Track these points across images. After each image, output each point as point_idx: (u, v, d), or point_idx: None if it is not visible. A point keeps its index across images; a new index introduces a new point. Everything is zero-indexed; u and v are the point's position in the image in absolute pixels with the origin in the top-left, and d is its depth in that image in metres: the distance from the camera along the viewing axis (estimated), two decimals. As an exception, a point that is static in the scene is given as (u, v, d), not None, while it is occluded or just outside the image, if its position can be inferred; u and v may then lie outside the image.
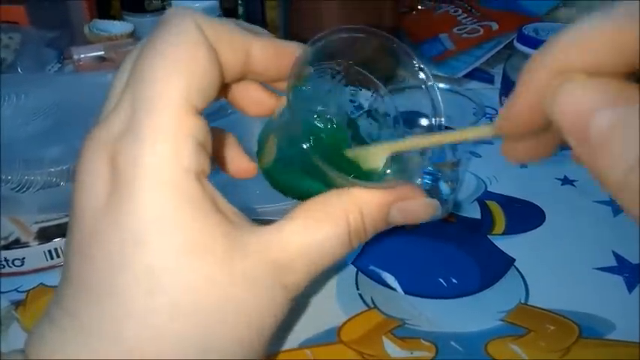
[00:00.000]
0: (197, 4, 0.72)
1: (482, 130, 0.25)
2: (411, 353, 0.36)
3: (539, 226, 0.48)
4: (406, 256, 0.45)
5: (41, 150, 0.49)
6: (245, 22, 0.29)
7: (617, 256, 0.44)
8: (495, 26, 0.77)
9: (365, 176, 0.28)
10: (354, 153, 0.29)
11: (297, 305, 0.39)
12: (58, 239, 0.42)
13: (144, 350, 0.23)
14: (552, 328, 0.38)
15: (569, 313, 0.39)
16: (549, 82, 0.19)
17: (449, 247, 0.45)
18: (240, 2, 0.83)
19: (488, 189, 0.53)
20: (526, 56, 0.60)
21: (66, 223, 0.44)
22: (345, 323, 0.39)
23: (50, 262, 0.43)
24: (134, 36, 0.76)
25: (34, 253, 0.42)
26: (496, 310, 0.40)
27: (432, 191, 0.48)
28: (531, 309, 0.40)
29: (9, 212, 0.44)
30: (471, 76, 0.73)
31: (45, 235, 0.43)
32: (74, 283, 0.24)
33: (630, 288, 0.41)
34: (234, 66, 0.27)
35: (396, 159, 0.30)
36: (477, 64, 0.72)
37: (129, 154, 0.23)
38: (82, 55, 0.70)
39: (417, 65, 0.29)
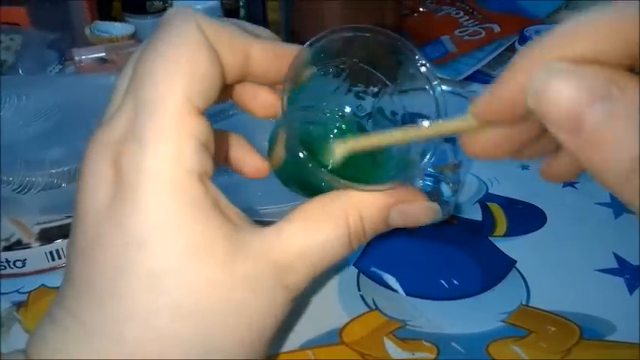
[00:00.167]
0: (198, 5, 0.72)
1: (460, 122, 0.23)
2: (413, 354, 0.36)
3: (540, 227, 0.48)
4: (407, 258, 0.44)
5: (42, 151, 0.49)
6: (237, 19, 0.29)
7: (618, 258, 0.44)
8: (497, 28, 0.77)
9: (367, 177, 0.28)
10: (319, 146, 0.28)
11: (299, 306, 0.39)
12: (60, 240, 0.42)
13: (146, 351, 0.23)
14: (553, 329, 0.38)
15: (570, 314, 0.39)
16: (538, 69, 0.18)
17: (450, 249, 0.45)
18: (241, 4, 0.83)
19: (490, 191, 0.53)
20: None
21: (67, 225, 0.44)
22: (346, 324, 0.39)
23: (51, 264, 0.43)
24: (135, 37, 0.76)
25: (36, 255, 0.42)
26: (497, 311, 0.40)
27: (434, 193, 0.48)
28: (532, 310, 0.40)
29: (10, 213, 0.44)
30: (472, 78, 0.73)
31: (46, 236, 0.43)
32: (77, 284, 0.24)
33: (631, 289, 0.41)
34: (234, 67, 0.27)
35: (396, 161, 0.30)
36: (478, 67, 0.72)
37: (131, 156, 0.23)
38: (83, 57, 0.70)
39: (420, 62, 0.29)
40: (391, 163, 0.30)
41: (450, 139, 0.44)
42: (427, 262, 0.44)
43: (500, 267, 0.44)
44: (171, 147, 0.23)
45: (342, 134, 0.30)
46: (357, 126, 0.31)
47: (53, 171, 0.47)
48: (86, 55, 0.70)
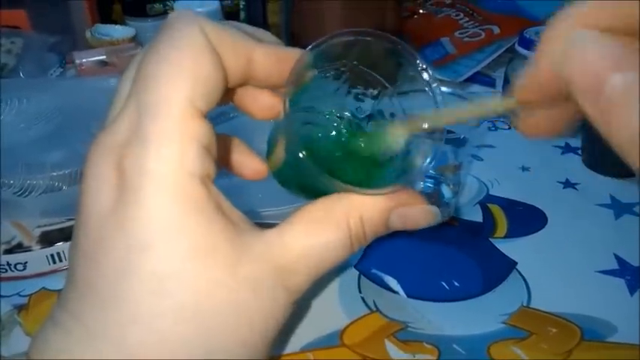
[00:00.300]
0: (199, 8, 0.72)
1: (503, 102, 0.24)
2: (414, 356, 0.36)
3: (541, 229, 0.48)
4: (408, 260, 0.45)
5: (43, 154, 0.49)
6: (239, 23, 0.29)
7: (618, 259, 0.44)
8: (497, 30, 0.77)
9: (368, 180, 0.28)
10: (370, 137, 0.29)
11: (300, 308, 0.39)
12: (61, 243, 0.42)
13: (149, 354, 0.23)
14: (554, 330, 0.38)
15: (571, 315, 0.39)
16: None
17: (451, 251, 0.46)
18: (241, 6, 0.83)
19: (490, 192, 0.53)
20: (528, 60, 0.60)
21: (68, 227, 0.44)
22: (347, 326, 0.39)
23: (52, 267, 0.43)
24: (136, 40, 0.76)
25: (37, 258, 0.42)
26: (498, 313, 0.40)
27: (434, 194, 0.48)
28: (533, 312, 0.40)
29: (11, 216, 0.45)
30: (472, 79, 0.73)
31: (47, 239, 0.43)
32: (79, 287, 0.24)
33: (632, 291, 0.41)
34: (236, 71, 0.26)
35: (397, 163, 0.30)
36: (478, 68, 0.72)
37: (135, 159, 0.23)
38: (84, 60, 0.70)
39: (420, 66, 0.29)
40: (392, 165, 0.30)
41: (451, 141, 0.44)
42: (428, 264, 0.44)
43: (501, 268, 0.44)
44: (175, 150, 0.23)
45: (341, 136, 0.30)
46: (357, 127, 0.31)
47: (54, 174, 0.47)
48: (87, 58, 0.70)
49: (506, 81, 0.65)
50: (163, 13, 0.81)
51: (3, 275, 0.42)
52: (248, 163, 0.32)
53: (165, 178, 0.23)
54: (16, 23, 0.76)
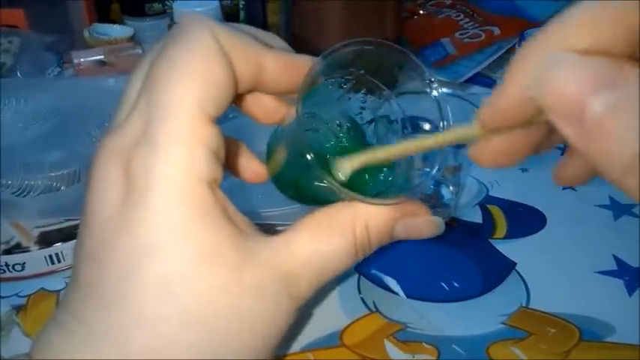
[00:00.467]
0: (198, 8, 0.71)
1: (465, 130, 0.23)
2: (413, 356, 0.36)
3: (540, 230, 0.48)
4: (408, 260, 0.45)
5: (41, 154, 0.49)
6: (249, 26, 0.29)
7: (617, 260, 0.44)
8: (497, 31, 0.77)
9: (372, 188, 0.28)
10: (329, 161, 0.28)
11: (301, 316, 0.39)
12: (59, 244, 0.42)
13: (153, 358, 0.23)
14: (553, 331, 0.38)
15: (570, 316, 0.39)
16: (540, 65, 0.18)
17: (450, 251, 0.46)
18: (241, 6, 0.83)
19: (490, 193, 0.53)
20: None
21: (67, 228, 0.44)
22: (347, 327, 0.39)
23: (51, 267, 0.43)
24: (134, 40, 0.76)
25: (35, 258, 0.42)
26: (497, 313, 0.40)
27: (434, 196, 0.48)
28: (532, 312, 0.40)
29: (9, 217, 0.44)
30: (472, 80, 0.73)
31: (45, 239, 0.43)
32: (83, 288, 0.24)
33: (630, 291, 0.41)
34: (247, 77, 0.26)
35: (401, 171, 0.30)
36: (478, 69, 0.72)
37: (143, 161, 0.23)
38: (82, 59, 0.70)
39: (428, 79, 0.29)
40: (397, 173, 0.30)
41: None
42: (428, 265, 0.44)
43: (501, 269, 0.44)
44: (183, 153, 0.23)
45: (343, 142, 0.30)
46: (359, 133, 0.31)
47: (52, 174, 0.47)
48: (85, 58, 0.70)
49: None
50: (162, 13, 0.81)
51: (1, 276, 0.42)
52: (249, 165, 0.32)
53: (173, 181, 0.23)
54: (14, 22, 0.76)
